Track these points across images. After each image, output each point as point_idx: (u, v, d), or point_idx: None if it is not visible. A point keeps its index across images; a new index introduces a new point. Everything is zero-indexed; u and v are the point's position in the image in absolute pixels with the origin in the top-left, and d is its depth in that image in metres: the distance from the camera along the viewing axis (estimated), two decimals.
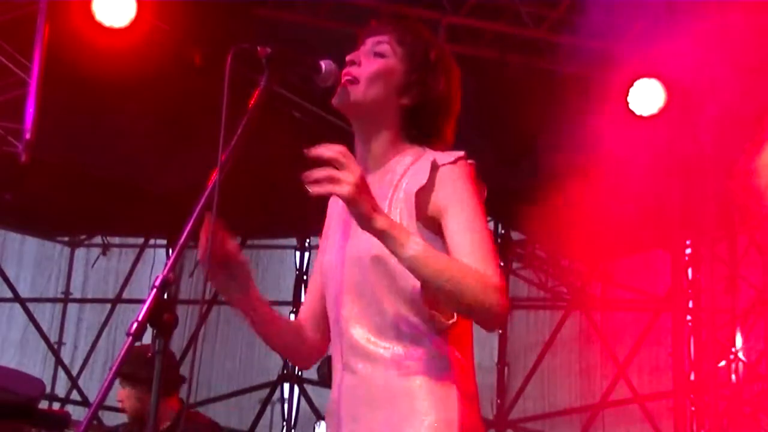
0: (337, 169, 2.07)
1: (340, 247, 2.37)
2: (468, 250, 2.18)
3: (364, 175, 2.10)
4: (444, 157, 2.29)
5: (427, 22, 6.51)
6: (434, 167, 2.27)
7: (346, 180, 2.05)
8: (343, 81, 2.34)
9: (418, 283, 2.21)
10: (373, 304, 2.27)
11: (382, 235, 2.11)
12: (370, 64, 2.36)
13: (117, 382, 4.95)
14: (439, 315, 2.26)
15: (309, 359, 2.54)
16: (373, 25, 2.47)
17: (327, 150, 2.08)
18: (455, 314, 2.26)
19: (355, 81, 2.34)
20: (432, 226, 2.27)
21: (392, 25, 2.44)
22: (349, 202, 2.07)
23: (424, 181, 2.26)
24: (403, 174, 2.32)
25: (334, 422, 2.33)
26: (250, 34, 6.29)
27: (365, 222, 2.09)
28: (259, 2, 6.49)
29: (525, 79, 6.66)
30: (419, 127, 2.38)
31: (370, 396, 2.25)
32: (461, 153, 2.30)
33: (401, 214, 2.27)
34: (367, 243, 2.24)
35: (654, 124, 6.74)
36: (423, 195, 2.26)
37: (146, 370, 4.54)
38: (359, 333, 2.28)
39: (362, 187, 2.08)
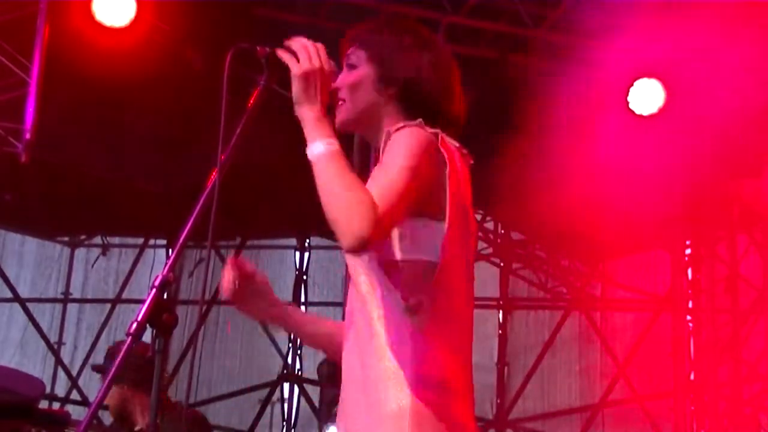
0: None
1: None
2: (372, 181, 2.17)
3: (328, 72, 2.25)
4: (397, 127, 2.28)
5: (427, 22, 6.51)
6: (387, 138, 2.28)
7: (310, 60, 2.22)
8: (335, 108, 2.38)
9: (377, 259, 2.23)
10: (356, 291, 2.30)
11: (302, 125, 2.22)
12: (345, 79, 2.40)
13: (100, 378, 4.98)
14: (398, 294, 2.22)
15: None
16: (341, 45, 2.49)
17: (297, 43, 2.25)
18: (431, 294, 2.21)
19: (342, 103, 2.39)
20: None
21: (355, 33, 2.46)
22: (296, 78, 2.22)
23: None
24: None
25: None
26: (250, 34, 6.29)
27: (295, 105, 2.23)
28: (259, 2, 6.49)
29: (525, 79, 6.65)
30: (417, 106, 2.37)
31: (349, 383, 2.28)
32: (413, 122, 2.28)
33: None
34: None
35: (654, 124, 6.74)
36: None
37: (131, 370, 4.56)
38: (351, 319, 2.32)
39: (315, 77, 2.22)
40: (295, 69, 2.22)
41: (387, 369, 2.18)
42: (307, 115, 2.22)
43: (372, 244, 2.11)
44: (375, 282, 2.25)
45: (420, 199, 2.20)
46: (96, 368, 5.26)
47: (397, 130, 2.26)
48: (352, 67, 2.41)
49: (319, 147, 2.17)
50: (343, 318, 2.39)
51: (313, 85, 2.23)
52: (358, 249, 2.11)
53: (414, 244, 2.23)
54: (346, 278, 2.40)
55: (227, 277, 2.37)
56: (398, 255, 2.23)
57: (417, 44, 2.42)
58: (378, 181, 2.16)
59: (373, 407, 2.18)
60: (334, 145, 2.19)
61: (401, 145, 2.21)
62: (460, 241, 2.28)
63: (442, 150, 2.26)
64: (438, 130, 2.28)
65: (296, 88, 2.23)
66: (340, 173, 2.13)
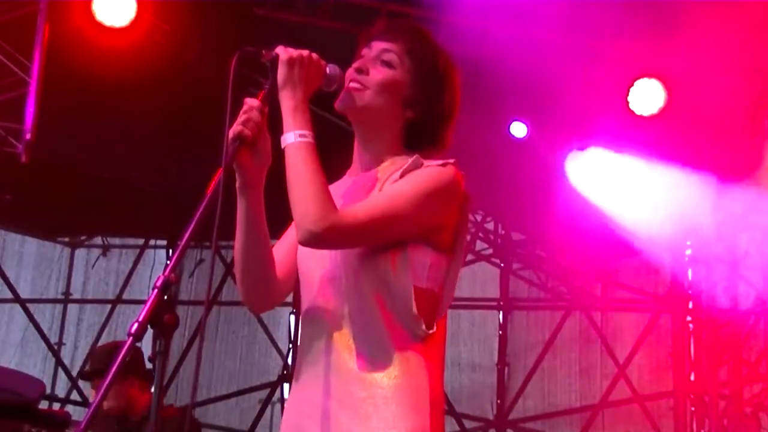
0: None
1: None
2: (364, 201, 2.25)
3: (315, 63, 2.27)
4: (430, 162, 2.31)
5: (427, 22, 6.51)
6: (416, 165, 2.29)
7: (298, 51, 2.25)
8: (348, 87, 2.34)
9: (410, 285, 2.23)
10: (360, 301, 2.24)
11: (283, 110, 2.23)
12: (378, 73, 2.36)
13: (91, 386, 4.95)
14: (422, 321, 2.24)
15: (269, 302, 2.44)
16: (380, 27, 2.44)
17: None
18: (435, 323, 2.26)
19: (362, 89, 2.35)
20: None
21: (401, 31, 2.41)
22: (283, 63, 2.24)
23: (398, 176, 2.29)
24: (390, 174, 2.33)
25: (297, 418, 2.28)
26: (250, 34, 6.29)
27: (279, 89, 2.24)
28: (259, 2, 6.49)
29: (525, 80, 6.65)
30: (421, 138, 2.39)
31: (344, 395, 2.21)
32: (450, 161, 2.31)
33: None
34: None
35: (654, 124, 6.74)
36: None
37: (139, 364, 4.57)
38: (341, 328, 2.25)
39: (301, 64, 2.24)
40: (284, 54, 2.25)
41: (403, 390, 2.19)
42: (287, 102, 2.24)
43: (324, 242, 2.19)
44: (390, 303, 2.23)
45: (424, 232, 2.26)
46: (86, 375, 5.18)
47: (431, 165, 2.29)
48: (387, 64, 2.36)
49: (291, 137, 2.21)
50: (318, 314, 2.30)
51: (298, 72, 2.24)
52: (308, 243, 2.19)
53: (431, 273, 2.27)
54: (323, 280, 2.31)
55: (254, 117, 2.21)
56: (421, 282, 2.26)
57: (448, 76, 2.41)
58: (374, 197, 2.26)
59: (393, 421, 2.17)
60: (307, 137, 2.22)
61: (421, 181, 2.26)
62: (457, 273, 2.35)
63: (464, 193, 2.31)
64: (456, 171, 2.30)
65: (281, 72, 2.24)
66: (304, 167, 2.19)
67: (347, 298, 2.25)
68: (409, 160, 2.32)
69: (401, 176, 2.28)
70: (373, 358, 2.21)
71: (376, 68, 2.36)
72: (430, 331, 2.25)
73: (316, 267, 2.31)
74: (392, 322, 2.23)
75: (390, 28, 2.43)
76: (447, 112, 2.40)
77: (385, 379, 2.20)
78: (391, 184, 2.29)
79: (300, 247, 2.37)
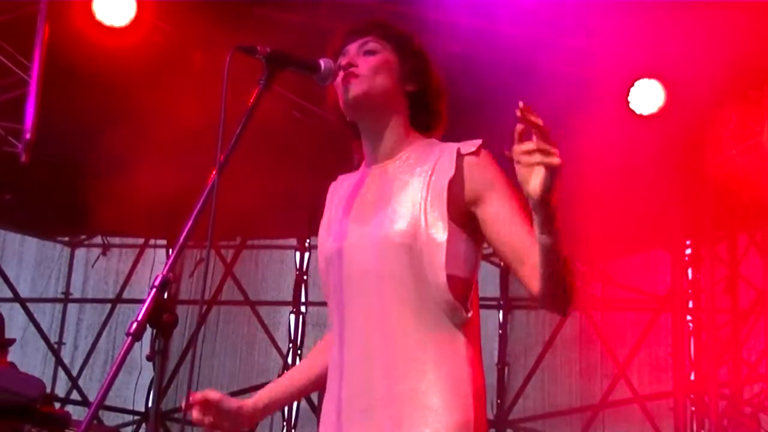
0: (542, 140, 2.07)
1: (345, 234, 2.35)
2: (531, 240, 2.18)
3: None
4: (466, 146, 2.33)
5: (427, 23, 6.51)
6: (459, 156, 2.31)
7: (555, 152, 2.06)
8: (343, 81, 2.36)
9: (443, 272, 2.23)
10: (393, 293, 2.25)
11: (549, 212, 2.08)
12: (367, 62, 2.39)
13: None
14: (461, 307, 2.27)
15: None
16: (344, 32, 2.47)
17: (537, 119, 2.07)
18: (471, 308, 2.30)
19: (357, 76, 2.36)
20: (457, 217, 2.29)
21: (368, 26, 2.47)
22: (555, 173, 2.04)
23: (452, 172, 2.29)
24: (435, 164, 2.33)
25: (335, 418, 2.30)
26: (251, 33, 6.29)
27: (549, 195, 2.06)
28: (260, 2, 6.49)
29: (525, 80, 6.65)
30: (425, 112, 2.44)
31: (386, 390, 2.22)
32: (479, 141, 2.35)
33: (432, 206, 2.28)
34: (391, 229, 2.26)
35: (654, 124, 6.74)
36: (452, 187, 2.29)
37: None
38: (377, 322, 2.26)
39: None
40: (554, 164, 2.06)
41: (445, 382, 2.21)
42: (555, 202, 2.09)
43: None
44: (429, 293, 2.25)
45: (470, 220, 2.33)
46: None
47: (475, 154, 2.32)
48: (371, 52, 2.40)
49: (556, 232, 2.12)
50: (348, 312, 2.33)
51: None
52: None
53: (467, 262, 2.34)
54: (351, 277, 2.33)
55: (197, 417, 2.43)
56: (460, 271, 2.31)
57: (425, 53, 2.49)
58: (516, 219, 2.28)
59: (426, 418, 2.18)
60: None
61: (506, 181, 2.30)
62: (479, 260, 2.43)
63: None
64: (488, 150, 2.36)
65: (550, 182, 2.06)
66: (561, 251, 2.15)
67: (388, 294, 2.26)
68: (430, 143, 2.38)
69: (456, 164, 2.29)
70: (414, 351, 2.22)
71: (362, 59, 2.39)
72: (469, 315, 2.28)
73: (351, 268, 2.32)
74: (431, 312, 2.25)
75: (355, 29, 2.47)
76: (440, 85, 2.47)
77: (428, 371, 2.21)
78: (440, 175, 2.29)
79: (326, 248, 2.40)
